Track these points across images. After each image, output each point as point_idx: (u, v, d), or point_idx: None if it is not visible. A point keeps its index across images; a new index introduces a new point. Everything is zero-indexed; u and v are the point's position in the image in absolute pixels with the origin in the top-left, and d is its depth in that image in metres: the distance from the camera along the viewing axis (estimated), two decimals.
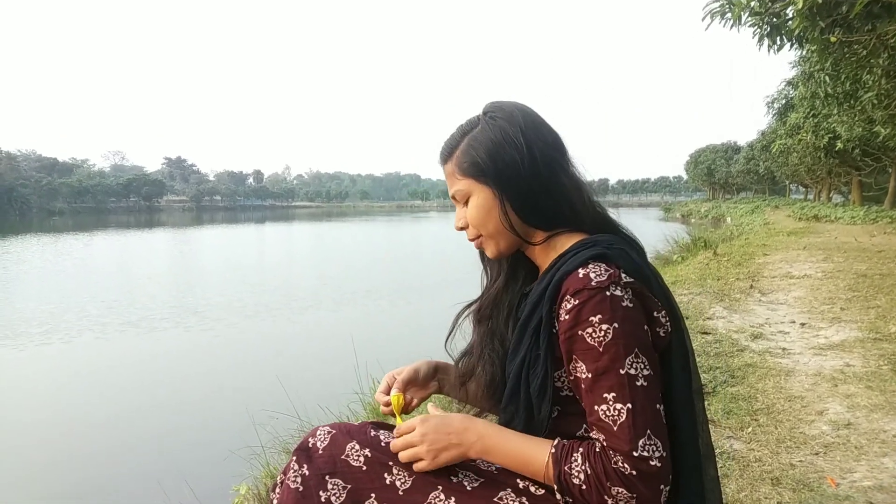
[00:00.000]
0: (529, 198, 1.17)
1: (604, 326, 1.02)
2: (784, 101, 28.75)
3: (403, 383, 1.37)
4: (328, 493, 1.14)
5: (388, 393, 1.37)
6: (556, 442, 1.07)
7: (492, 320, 1.29)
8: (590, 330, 1.04)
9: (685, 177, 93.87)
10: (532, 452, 1.08)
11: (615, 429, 1.01)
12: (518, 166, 1.15)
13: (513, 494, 1.14)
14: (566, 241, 1.18)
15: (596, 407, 1.03)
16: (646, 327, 1.06)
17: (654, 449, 1.00)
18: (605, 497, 1.00)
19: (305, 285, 14.82)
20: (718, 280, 7.47)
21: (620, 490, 0.99)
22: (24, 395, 6.94)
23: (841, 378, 3.47)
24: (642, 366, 1.03)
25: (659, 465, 1.00)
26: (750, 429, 2.75)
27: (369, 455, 1.17)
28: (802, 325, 4.92)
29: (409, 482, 1.15)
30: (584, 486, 1.01)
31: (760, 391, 3.27)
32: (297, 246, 31.76)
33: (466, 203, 1.22)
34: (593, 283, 1.04)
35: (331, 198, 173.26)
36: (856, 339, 4.35)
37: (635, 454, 0.99)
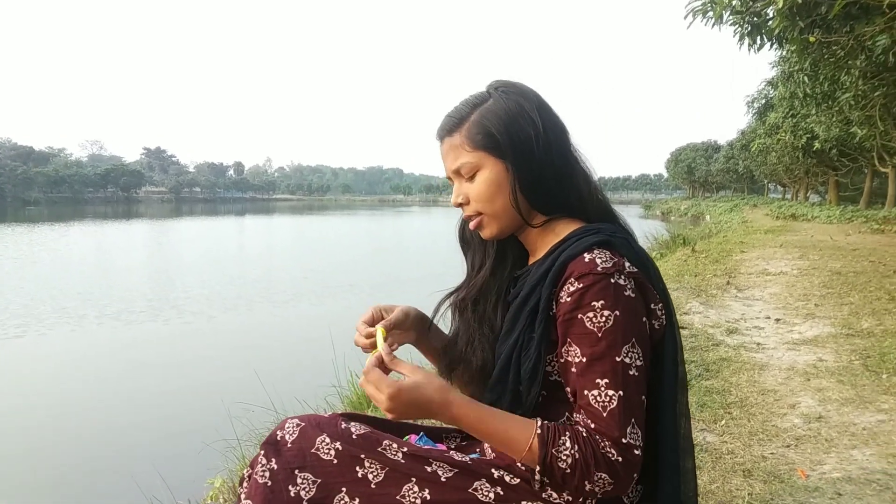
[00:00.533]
0: (540, 179, 1.14)
1: (605, 313, 1.02)
2: (764, 101, 29.12)
3: (391, 324, 1.28)
4: (297, 488, 1.11)
5: (371, 325, 1.28)
6: (540, 423, 1.05)
7: (479, 306, 1.26)
8: (591, 314, 1.03)
9: (666, 175, 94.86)
10: (515, 431, 1.05)
11: (605, 414, 1.00)
12: (533, 144, 1.12)
13: (488, 485, 1.13)
14: (566, 227, 1.17)
15: (586, 391, 1.03)
16: (644, 319, 1.06)
17: (637, 438, 1.01)
18: (586, 482, 1.00)
19: (284, 278, 14.73)
20: (696, 276, 7.54)
21: (603, 476, 0.99)
22: None
23: (813, 372, 3.52)
24: (636, 356, 1.03)
25: (638, 454, 1.00)
26: (723, 421, 2.78)
27: (340, 448, 1.14)
28: (777, 320, 4.98)
29: (382, 475, 1.13)
30: (568, 471, 1.00)
31: (734, 385, 3.30)
32: (277, 239, 31.54)
33: (471, 178, 1.17)
34: (599, 269, 1.04)
35: (312, 191, 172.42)
36: (829, 335, 4.41)
37: (623, 441, 0.99)
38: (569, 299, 1.05)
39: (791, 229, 17.58)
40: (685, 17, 7.30)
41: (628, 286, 1.05)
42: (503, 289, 1.26)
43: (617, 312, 1.02)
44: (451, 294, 1.33)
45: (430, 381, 1.08)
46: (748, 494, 2.09)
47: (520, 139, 1.12)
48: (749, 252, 10.75)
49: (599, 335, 1.02)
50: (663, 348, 1.12)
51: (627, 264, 1.06)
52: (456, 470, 1.15)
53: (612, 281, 1.03)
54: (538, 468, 1.03)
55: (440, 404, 1.06)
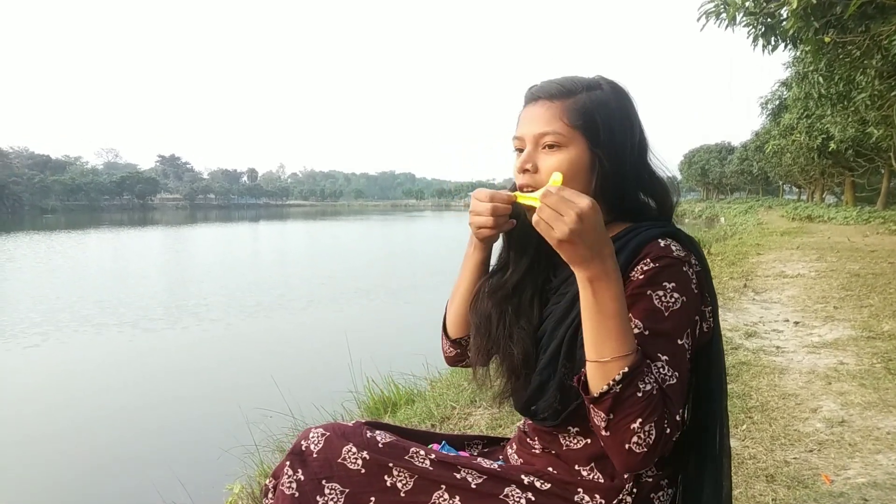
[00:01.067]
0: (621, 179, 1.12)
1: (675, 295, 1.02)
2: (778, 102, 28.82)
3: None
4: (325, 498, 1.11)
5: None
6: (639, 349, 0.98)
7: (514, 298, 1.21)
8: (661, 293, 1.02)
9: (679, 177, 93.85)
10: (627, 331, 0.96)
11: (664, 387, 0.98)
12: (627, 145, 1.12)
13: (518, 491, 1.13)
14: (620, 227, 1.14)
15: (648, 361, 0.99)
16: (697, 318, 1.06)
17: (681, 423, 0.99)
18: (639, 421, 0.93)
19: (300, 284, 14.77)
20: (712, 279, 7.48)
21: (652, 431, 0.94)
22: (17, 394, 6.89)
23: (834, 376, 3.48)
24: (688, 345, 1.03)
25: (675, 439, 0.98)
26: (744, 426, 2.76)
27: (367, 457, 1.14)
28: (796, 323, 4.94)
29: (411, 483, 1.13)
30: (640, 395, 0.93)
31: (754, 389, 3.28)
32: (292, 245, 31.66)
33: (550, 149, 1.10)
34: (674, 254, 1.04)
35: (325, 196, 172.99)
36: (849, 338, 4.36)
37: (676, 417, 0.97)
38: (642, 277, 1.03)
39: (807, 231, 17.43)
40: (698, 19, 7.26)
41: (693, 279, 1.05)
42: (538, 285, 1.23)
43: (685, 298, 1.02)
44: (473, 281, 1.27)
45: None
46: (772, 500, 2.07)
47: (618, 140, 1.11)
48: (765, 254, 10.67)
49: (666, 314, 1.01)
50: (711, 349, 1.12)
51: (693, 259, 1.07)
52: (485, 476, 1.15)
53: (684, 269, 1.04)
54: (625, 371, 0.95)
55: (608, 245, 0.97)
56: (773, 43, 7.34)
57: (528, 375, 1.16)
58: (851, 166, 26.15)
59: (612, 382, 0.95)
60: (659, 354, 1.00)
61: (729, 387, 3.26)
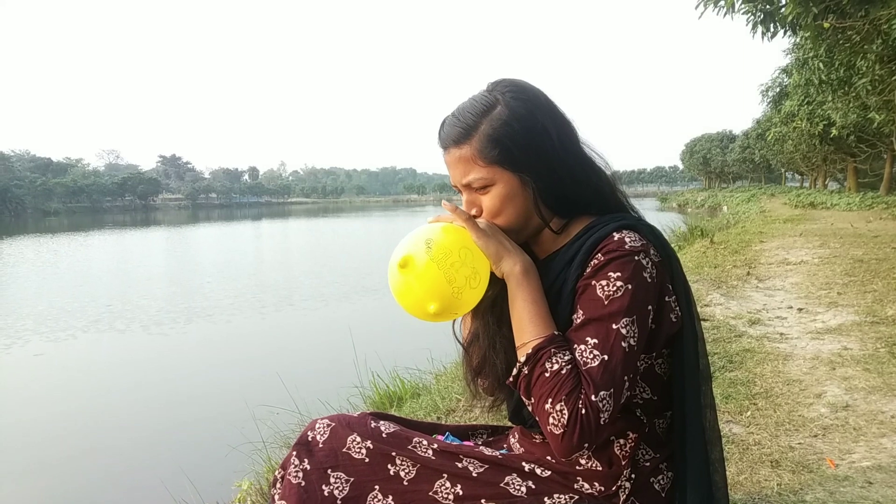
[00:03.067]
0: (559, 186, 1.12)
1: (619, 283, 1.02)
2: (778, 89, 28.73)
3: None
4: (331, 487, 1.13)
5: None
6: (555, 333, 1.05)
7: (496, 307, 1.22)
8: (604, 282, 1.03)
9: (681, 166, 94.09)
10: (541, 321, 1.07)
11: (583, 369, 1.00)
12: (548, 153, 1.10)
13: (519, 479, 1.15)
14: (581, 223, 1.16)
15: (574, 345, 1.03)
16: (650, 307, 1.05)
17: (607, 407, 0.98)
18: (549, 400, 0.99)
19: (303, 281, 14.81)
20: (715, 268, 7.48)
21: (563, 411, 0.97)
22: (26, 394, 6.94)
23: (839, 361, 3.48)
24: (633, 333, 1.02)
25: (603, 423, 0.98)
26: (749, 413, 2.76)
27: (371, 447, 1.16)
28: (800, 310, 4.94)
29: (414, 472, 1.15)
30: (547, 374, 1.00)
31: (759, 375, 3.28)
32: (294, 242, 31.69)
33: (482, 190, 1.13)
34: (627, 247, 1.04)
35: (326, 193, 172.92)
36: (853, 323, 4.36)
37: (592, 398, 0.97)
38: (589, 270, 1.06)
39: (810, 218, 17.38)
40: (696, 7, 7.25)
41: (648, 268, 1.04)
42: None
43: (630, 286, 1.02)
44: None
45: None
46: (777, 485, 2.08)
47: (536, 151, 1.09)
48: (768, 242, 10.65)
49: (606, 302, 1.02)
50: (682, 339, 1.12)
51: (653, 250, 1.07)
52: (487, 465, 1.17)
53: (637, 259, 1.04)
54: (529, 353, 1.03)
55: (520, 253, 1.13)
56: (772, 30, 7.32)
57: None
58: (853, 152, 26.06)
59: (519, 364, 1.04)
60: (588, 338, 1.02)
61: (733, 374, 3.29)
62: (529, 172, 1.10)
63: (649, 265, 1.05)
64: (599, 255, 1.05)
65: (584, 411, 0.97)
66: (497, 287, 1.18)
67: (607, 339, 1.01)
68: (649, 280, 1.04)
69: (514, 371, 1.05)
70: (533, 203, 1.12)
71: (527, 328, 1.06)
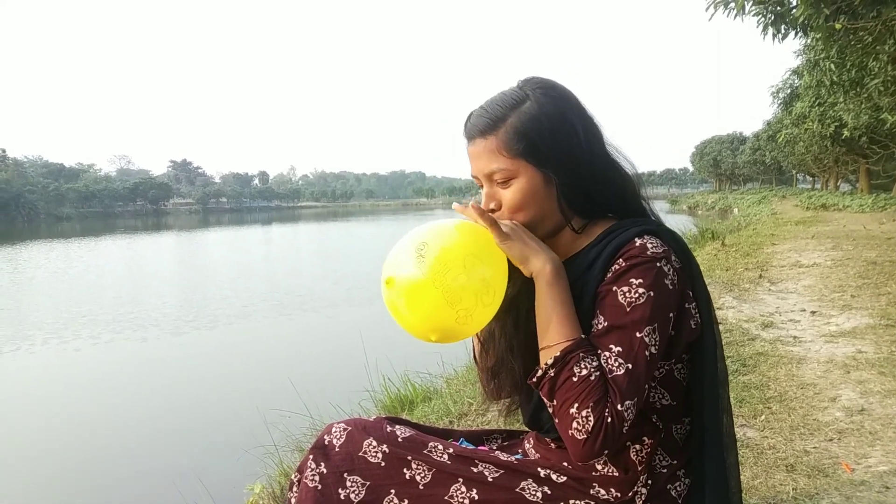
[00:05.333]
0: (582, 185, 1.11)
1: (640, 290, 1.02)
2: (789, 91, 28.58)
3: None
4: (347, 491, 1.13)
5: None
6: (583, 337, 1.04)
7: (512, 311, 1.19)
8: (626, 289, 1.02)
9: (691, 168, 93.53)
10: (570, 322, 1.05)
11: (609, 377, 1.00)
12: (574, 151, 1.09)
13: (535, 484, 1.14)
14: (602, 226, 1.15)
15: (599, 351, 1.02)
16: (671, 314, 1.05)
17: (632, 416, 0.98)
18: (575, 405, 0.98)
19: (314, 285, 14.83)
20: (727, 270, 7.44)
21: (590, 417, 0.96)
22: (42, 398, 6.99)
23: (853, 364, 3.46)
24: (655, 341, 1.02)
25: (624, 432, 0.98)
26: (763, 416, 2.74)
27: (387, 451, 1.16)
28: (813, 313, 4.90)
29: (429, 476, 1.15)
30: (576, 379, 0.98)
31: (772, 379, 3.26)
32: (305, 247, 31.78)
33: (504, 184, 1.12)
34: (648, 253, 1.04)
35: (336, 197, 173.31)
36: (867, 326, 4.33)
37: (619, 407, 0.97)
38: (610, 275, 1.05)
39: (822, 220, 17.27)
40: (706, 9, 7.23)
41: (670, 275, 1.04)
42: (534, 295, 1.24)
43: (652, 293, 1.01)
44: None
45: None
46: (792, 489, 2.06)
47: (562, 148, 1.09)
48: (780, 244, 10.58)
49: (628, 309, 1.01)
50: (702, 345, 1.11)
51: (674, 256, 1.06)
52: (502, 470, 1.16)
53: (658, 265, 1.03)
54: (557, 356, 1.02)
55: (548, 251, 1.10)
56: (782, 31, 7.29)
57: (529, 388, 1.16)
58: (865, 153, 25.86)
59: (545, 366, 1.02)
60: (611, 346, 1.01)
61: (746, 377, 3.27)
62: (553, 169, 1.09)
63: (671, 272, 1.04)
64: (621, 260, 1.05)
65: (609, 420, 0.96)
66: (516, 287, 1.15)
67: (631, 347, 1.00)
68: (671, 287, 1.04)
69: (539, 372, 1.04)
70: (556, 201, 1.11)
71: (554, 329, 1.05)
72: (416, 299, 0.99)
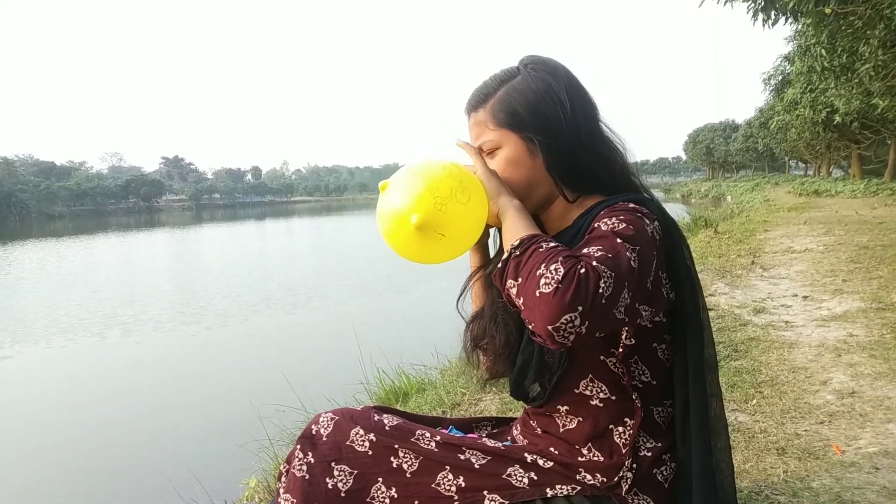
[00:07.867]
0: (568, 158, 1.12)
1: (624, 224, 0.99)
2: (781, 77, 28.60)
3: None
4: (335, 480, 1.14)
5: None
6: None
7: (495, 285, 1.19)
8: (606, 220, 1.01)
9: (684, 157, 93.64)
10: (532, 230, 1.03)
11: (587, 251, 0.95)
12: (560, 121, 1.11)
13: (521, 470, 1.14)
14: (594, 200, 1.15)
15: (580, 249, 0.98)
16: (654, 252, 1.00)
17: (609, 286, 0.90)
18: (537, 271, 0.91)
19: (307, 280, 14.82)
20: (720, 257, 7.47)
21: (559, 271, 0.89)
22: (34, 396, 6.98)
23: (844, 348, 3.47)
24: (635, 256, 0.96)
25: (600, 293, 0.89)
26: (754, 401, 2.76)
27: (374, 440, 1.17)
28: (805, 297, 4.92)
29: (417, 464, 1.15)
30: (537, 257, 0.93)
31: (764, 364, 3.28)
32: (298, 241, 31.73)
33: (490, 154, 1.17)
34: (631, 206, 1.04)
35: (329, 191, 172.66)
36: (858, 310, 4.35)
37: (595, 264, 0.91)
38: (593, 223, 1.04)
39: (815, 206, 17.33)
40: None
41: (651, 227, 1.02)
42: None
43: (632, 226, 0.99)
44: (480, 269, 1.29)
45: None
46: (783, 472, 2.07)
47: (545, 119, 1.11)
48: (773, 231, 10.63)
49: (610, 232, 0.99)
50: (686, 328, 1.10)
51: (657, 223, 1.05)
52: (489, 457, 1.16)
53: (639, 216, 1.02)
54: (524, 237, 0.99)
55: (504, 192, 1.11)
56: (773, 17, 7.27)
57: (511, 357, 1.18)
58: (857, 139, 25.96)
59: (511, 248, 1.00)
60: (590, 248, 0.96)
61: (738, 362, 3.28)
62: (536, 136, 1.11)
63: (651, 225, 1.02)
64: (603, 212, 1.04)
65: (583, 271, 0.89)
66: (497, 261, 1.16)
67: (613, 247, 0.95)
68: (650, 234, 1.01)
69: (504, 256, 1.00)
70: (542, 166, 1.13)
71: (521, 232, 1.02)
72: (402, 187, 1.10)
